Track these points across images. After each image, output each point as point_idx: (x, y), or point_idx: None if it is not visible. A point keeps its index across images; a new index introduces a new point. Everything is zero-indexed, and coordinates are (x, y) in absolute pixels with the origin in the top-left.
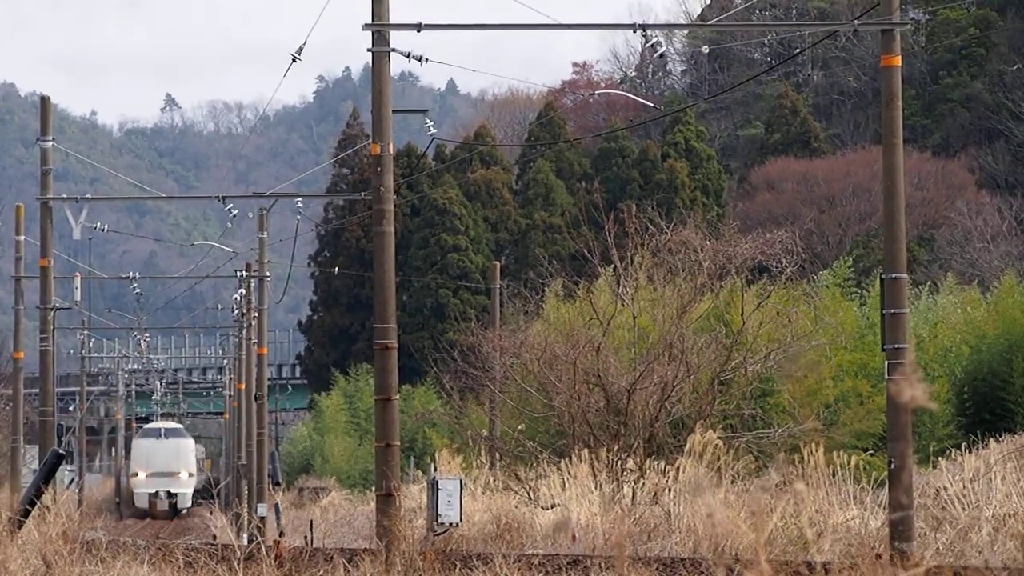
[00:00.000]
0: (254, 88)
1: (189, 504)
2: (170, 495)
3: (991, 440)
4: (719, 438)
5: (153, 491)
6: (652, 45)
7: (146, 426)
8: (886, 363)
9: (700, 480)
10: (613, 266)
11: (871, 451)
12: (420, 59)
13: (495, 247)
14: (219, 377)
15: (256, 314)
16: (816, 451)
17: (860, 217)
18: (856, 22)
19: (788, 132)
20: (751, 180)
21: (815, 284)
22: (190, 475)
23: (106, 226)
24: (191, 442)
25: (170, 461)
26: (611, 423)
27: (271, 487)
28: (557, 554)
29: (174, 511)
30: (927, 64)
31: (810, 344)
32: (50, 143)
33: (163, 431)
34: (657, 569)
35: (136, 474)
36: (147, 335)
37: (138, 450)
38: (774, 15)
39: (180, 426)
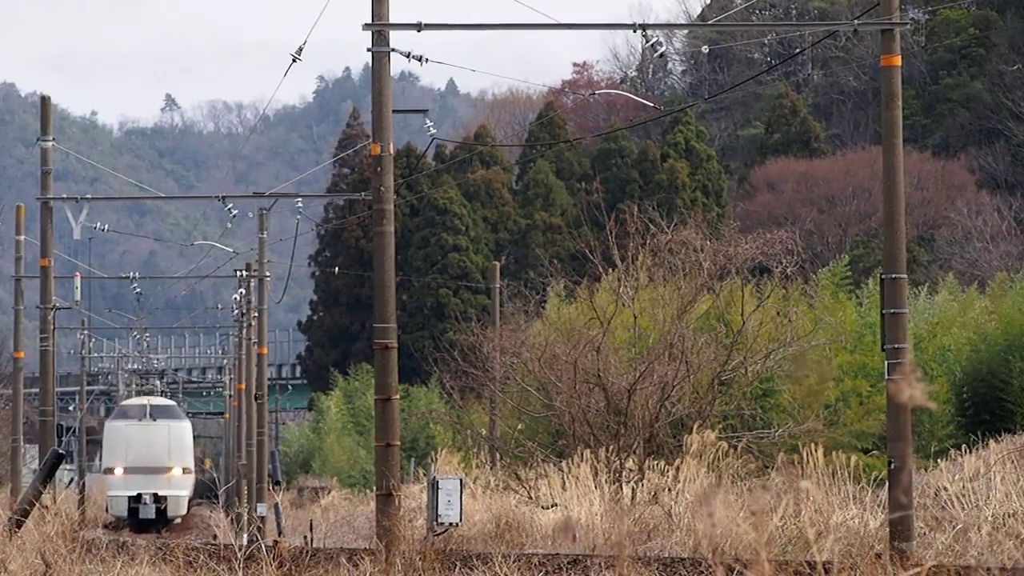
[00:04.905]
0: (254, 88)
1: (183, 511)
2: (157, 499)
3: (990, 440)
4: (719, 438)
5: (134, 493)
6: (652, 45)
7: (124, 402)
8: (886, 363)
9: (708, 490)
10: (614, 266)
11: (870, 450)
12: (420, 59)
13: (495, 247)
14: (219, 377)
15: (256, 314)
16: (816, 451)
17: (860, 217)
18: (856, 22)
19: (788, 132)
20: (751, 180)
21: (814, 284)
22: (185, 471)
23: (106, 226)
24: (187, 425)
25: (158, 452)
26: (611, 423)
27: (271, 487)
28: (557, 554)
29: (163, 520)
30: (927, 64)
31: (810, 344)
32: (50, 143)
33: (149, 409)
34: (657, 569)
35: (111, 469)
36: (147, 335)
37: (113, 436)
38: (774, 15)
39: (172, 403)
